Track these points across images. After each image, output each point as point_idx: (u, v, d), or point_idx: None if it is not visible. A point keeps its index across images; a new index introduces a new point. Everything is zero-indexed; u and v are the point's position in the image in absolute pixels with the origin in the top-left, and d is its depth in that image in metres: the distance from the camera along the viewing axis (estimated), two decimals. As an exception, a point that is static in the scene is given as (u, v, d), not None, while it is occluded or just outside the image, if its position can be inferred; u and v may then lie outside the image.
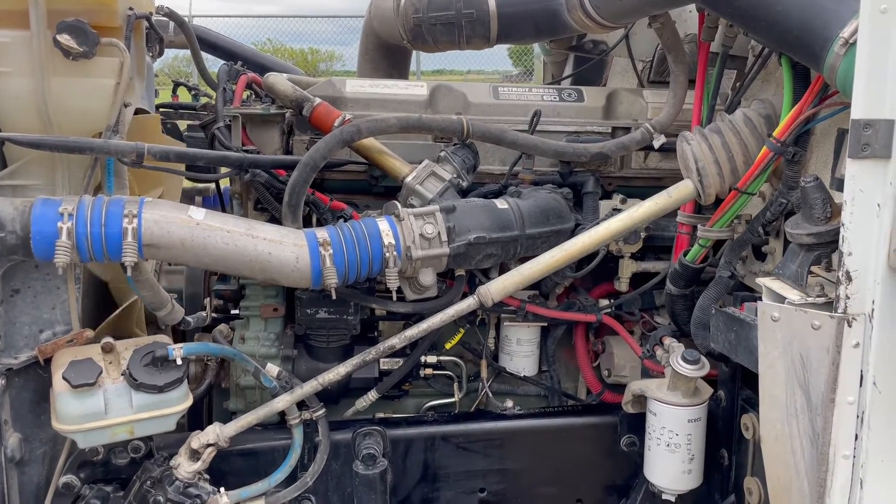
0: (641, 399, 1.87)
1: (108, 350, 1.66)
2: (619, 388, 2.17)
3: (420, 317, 2.07)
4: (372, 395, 1.98)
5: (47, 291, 1.70)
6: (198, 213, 1.58)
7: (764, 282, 1.44)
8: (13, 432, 1.70)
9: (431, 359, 2.10)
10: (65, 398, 1.51)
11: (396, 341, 1.76)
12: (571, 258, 1.72)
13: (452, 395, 2.17)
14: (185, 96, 3.30)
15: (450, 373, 2.15)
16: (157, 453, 1.77)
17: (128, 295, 2.04)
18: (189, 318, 1.88)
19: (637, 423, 1.95)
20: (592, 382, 2.21)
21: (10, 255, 1.52)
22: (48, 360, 1.66)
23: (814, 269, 1.36)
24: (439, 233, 1.72)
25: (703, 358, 1.72)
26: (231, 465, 1.83)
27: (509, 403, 2.05)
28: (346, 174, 2.03)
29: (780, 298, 1.38)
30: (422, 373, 2.10)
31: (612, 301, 2.13)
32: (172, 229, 1.55)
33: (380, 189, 2.06)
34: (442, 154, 1.91)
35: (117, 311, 1.86)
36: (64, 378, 1.50)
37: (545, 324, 2.15)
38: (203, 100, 2.99)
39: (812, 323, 1.30)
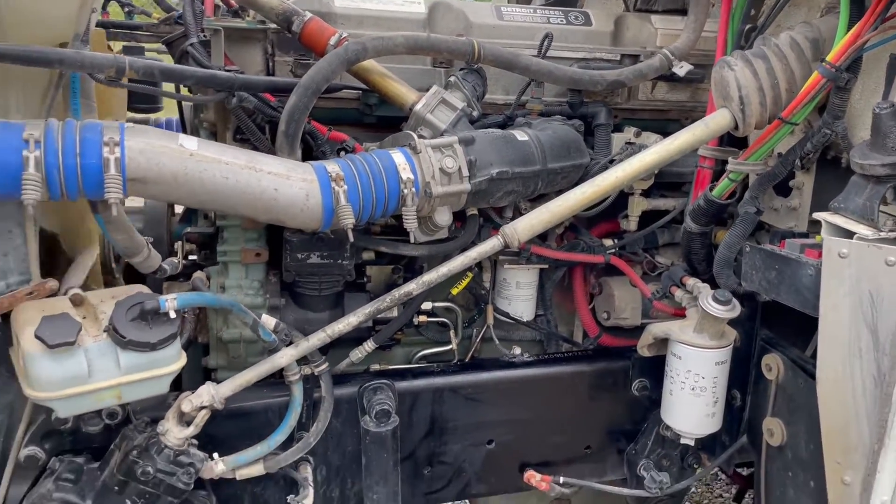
0: (659, 342, 1.79)
1: (78, 303, 1.41)
2: (618, 331, 2.10)
3: (412, 261, 1.91)
4: (369, 346, 1.82)
5: (1, 235, 1.42)
6: (189, 142, 1.34)
7: (824, 216, 1.35)
8: (-36, 401, 1.44)
9: (426, 305, 1.95)
10: (39, 360, 1.26)
11: (414, 287, 1.59)
12: (603, 194, 1.59)
13: (444, 343, 2.03)
14: (116, 14, 2.91)
15: (444, 320, 2.01)
16: (136, 418, 1.56)
17: (81, 246, 1.78)
18: (165, 265, 1.64)
19: (650, 367, 1.88)
20: (590, 326, 2.12)
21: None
22: (6, 316, 1.40)
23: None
24: (460, 167, 1.55)
25: (734, 298, 1.65)
26: (219, 427, 1.63)
27: (517, 350, 1.94)
28: (334, 101, 1.81)
29: (847, 234, 1.30)
30: (416, 320, 1.95)
31: (615, 241, 2.02)
32: (162, 161, 1.30)
33: (372, 119, 1.86)
34: (451, 80, 1.72)
35: (75, 265, 1.61)
36: (37, 337, 1.26)
37: (545, 266, 2.03)
38: (139, 18, 2.64)
39: (886, 259, 1.23)
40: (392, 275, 1.96)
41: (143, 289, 1.48)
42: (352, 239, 1.47)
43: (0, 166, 1.20)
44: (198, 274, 1.74)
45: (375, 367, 1.92)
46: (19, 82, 1.33)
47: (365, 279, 1.94)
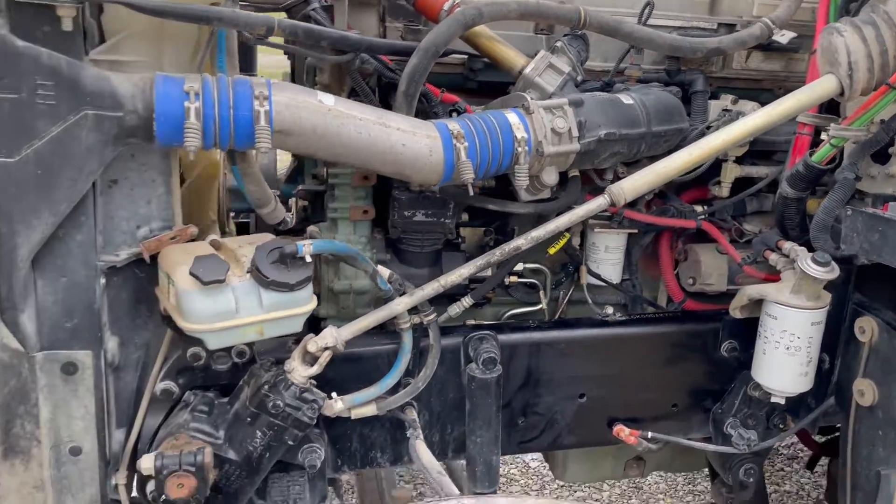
0: (752, 305, 1.84)
1: (217, 247, 1.53)
2: (702, 296, 2.15)
3: (504, 224, 1.99)
4: (467, 301, 1.90)
5: (143, 184, 1.54)
6: (327, 98, 1.44)
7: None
8: (110, 336, 1.57)
9: (517, 267, 2.03)
10: (194, 296, 1.38)
11: (523, 242, 1.68)
12: (709, 156, 1.65)
13: (531, 304, 2.11)
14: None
15: (533, 281, 2.09)
16: (259, 358, 1.68)
17: (205, 194, 1.90)
18: (288, 219, 1.75)
19: (740, 329, 1.94)
20: (675, 291, 2.17)
21: (127, 137, 1.36)
22: (153, 258, 1.53)
23: None
24: (570, 128, 1.62)
25: (832, 261, 1.70)
26: (334, 370, 1.74)
27: (609, 310, 2.01)
28: (439, 66, 1.88)
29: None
30: (506, 280, 2.03)
31: (705, 207, 2.07)
32: (304, 115, 1.40)
33: (473, 84, 1.94)
34: (558, 45, 1.78)
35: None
36: (192, 274, 1.37)
37: (634, 231, 2.09)
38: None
39: None
40: (484, 237, 2.05)
41: (270, 236, 1.59)
42: (472, 193, 1.55)
43: (167, 116, 1.32)
44: (312, 227, 1.85)
45: (471, 321, 2.01)
46: (172, 39, 1.43)
47: (459, 240, 2.03)
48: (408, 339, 1.74)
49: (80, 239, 1.46)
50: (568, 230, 2.02)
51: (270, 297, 1.44)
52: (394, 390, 1.76)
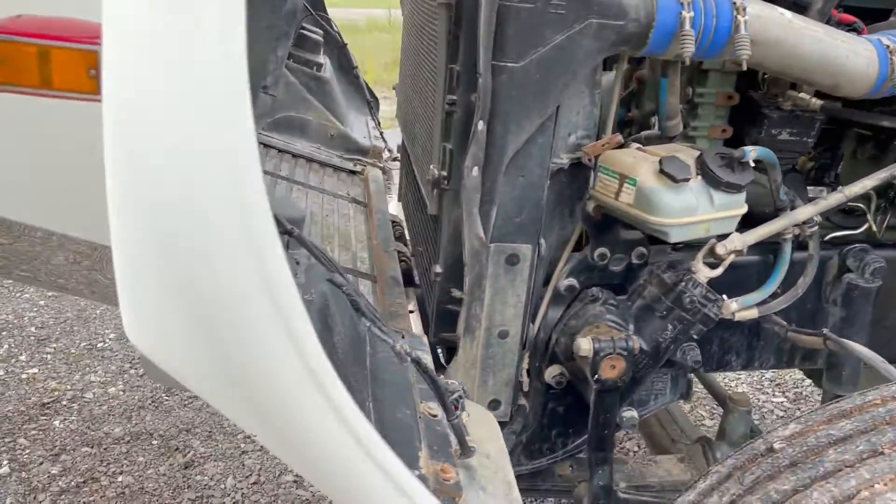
0: None
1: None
2: None
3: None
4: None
5: (576, 94, 1.68)
6: (785, 11, 1.53)
7: None
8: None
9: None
10: (662, 193, 1.53)
11: (926, 155, 1.75)
12: None
13: (851, 228, 2.18)
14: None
15: (859, 204, 2.15)
16: (651, 262, 1.82)
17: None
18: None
19: None
20: None
21: (620, 45, 1.49)
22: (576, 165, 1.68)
23: None
24: None
25: None
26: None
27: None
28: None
29: None
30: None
31: None
32: (769, 27, 1.51)
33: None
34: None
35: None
36: (665, 173, 1.51)
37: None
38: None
39: None
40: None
41: (680, 147, 1.71)
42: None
43: (664, 26, 1.44)
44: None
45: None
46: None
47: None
48: (788, 249, 1.85)
49: (542, 141, 1.62)
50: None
51: (721, 197, 1.57)
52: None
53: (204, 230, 0.64)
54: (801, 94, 1.84)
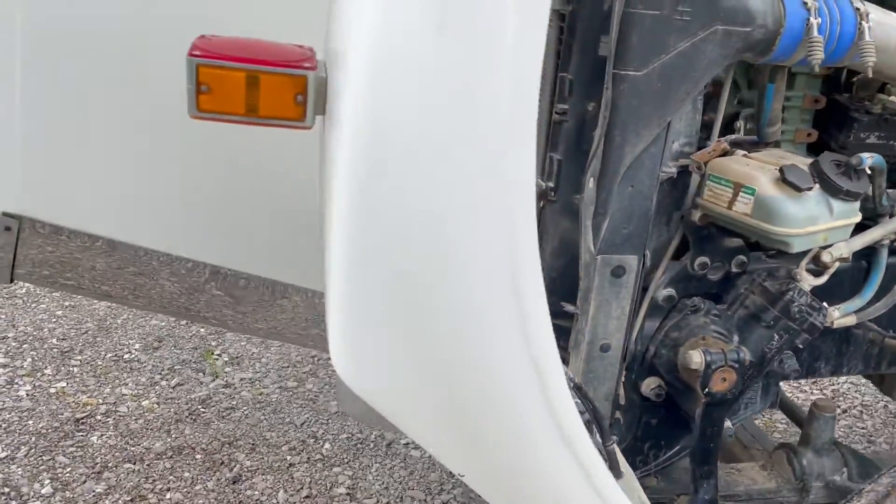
0: None
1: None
2: None
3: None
4: None
5: (682, 103, 1.64)
6: (902, 15, 1.51)
7: None
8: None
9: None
10: (785, 202, 1.50)
11: None
12: None
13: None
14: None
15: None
16: (750, 270, 1.79)
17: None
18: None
19: None
20: None
21: (744, 52, 1.46)
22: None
23: None
24: None
25: None
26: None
27: None
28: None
29: None
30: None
31: None
32: (890, 32, 1.48)
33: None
34: None
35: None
36: (787, 182, 1.48)
37: None
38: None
39: None
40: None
41: (789, 155, 1.68)
42: None
43: (791, 30, 1.41)
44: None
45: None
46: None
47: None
48: (883, 255, 1.83)
49: (653, 151, 1.58)
50: None
51: (839, 205, 1.54)
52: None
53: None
54: (892, 98, 1.82)
